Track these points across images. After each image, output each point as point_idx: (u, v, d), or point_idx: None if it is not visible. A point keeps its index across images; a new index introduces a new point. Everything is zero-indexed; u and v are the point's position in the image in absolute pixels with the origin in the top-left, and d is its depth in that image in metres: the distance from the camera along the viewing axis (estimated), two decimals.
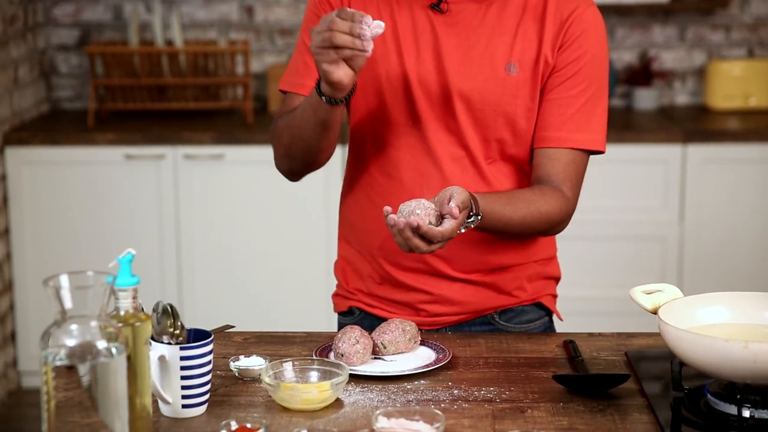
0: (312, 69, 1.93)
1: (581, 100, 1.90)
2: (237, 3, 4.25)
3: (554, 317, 2.08)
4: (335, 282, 2.10)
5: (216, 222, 3.82)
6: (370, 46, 1.71)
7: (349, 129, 2.01)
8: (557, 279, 2.07)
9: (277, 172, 2.03)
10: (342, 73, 1.74)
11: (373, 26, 1.71)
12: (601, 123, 1.94)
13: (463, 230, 1.78)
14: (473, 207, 1.78)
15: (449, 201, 1.71)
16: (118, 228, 3.81)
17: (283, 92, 1.99)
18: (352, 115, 1.98)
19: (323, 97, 1.80)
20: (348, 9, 1.72)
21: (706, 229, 3.78)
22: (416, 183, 1.92)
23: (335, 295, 2.10)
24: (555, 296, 2.07)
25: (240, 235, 3.82)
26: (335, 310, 2.10)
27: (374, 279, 2.00)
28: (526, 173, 1.97)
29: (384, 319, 1.93)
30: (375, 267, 2.00)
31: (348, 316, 2.06)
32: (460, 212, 1.70)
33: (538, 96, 1.91)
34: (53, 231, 3.82)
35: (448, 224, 1.70)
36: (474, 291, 1.97)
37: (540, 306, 2.04)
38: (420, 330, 1.88)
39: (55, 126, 3.99)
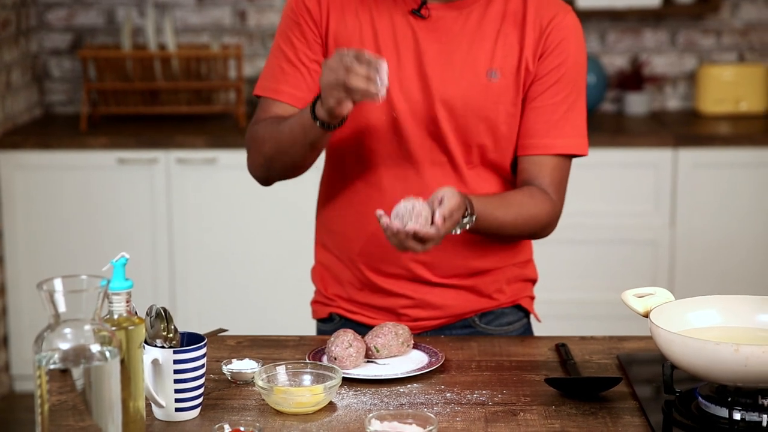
0: (288, 74, 1.94)
1: (564, 107, 1.93)
2: (230, 7, 4.26)
3: (532, 319, 2.10)
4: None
5: (209, 226, 3.82)
6: (383, 92, 1.72)
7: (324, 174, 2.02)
8: (534, 281, 2.09)
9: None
10: (346, 109, 1.76)
11: (384, 71, 1.72)
12: (582, 126, 1.97)
13: (459, 231, 1.79)
14: (468, 207, 1.79)
15: (440, 204, 1.72)
16: (111, 232, 3.81)
17: (258, 96, 1.99)
18: (328, 151, 1.99)
19: (317, 122, 1.81)
20: (366, 53, 1.72)
21: (697, 233, 3.79)
22: (396, 189, 1.93)
23: (314, 302, 2.09)
24: (533, 298, 2.09)
25: (233, 238, 3.83)
26: (314, 317, 2.10)
27: (354, 285, 2.01)
28: (506, 179, 1.99)
29: (365, 325, 1.94)
30: (355, 273, 2.00)
31: (328, 322, 2.05)
32: (444, 221, 1.72)
33: (520, 102, 1.93)
34: (46, 235, 3.82)
35: (439, 223, 1.71)
36: (455, 295, 1.99)
37: (519, 308, 2.06)
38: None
39: (48, 130, 3.99)
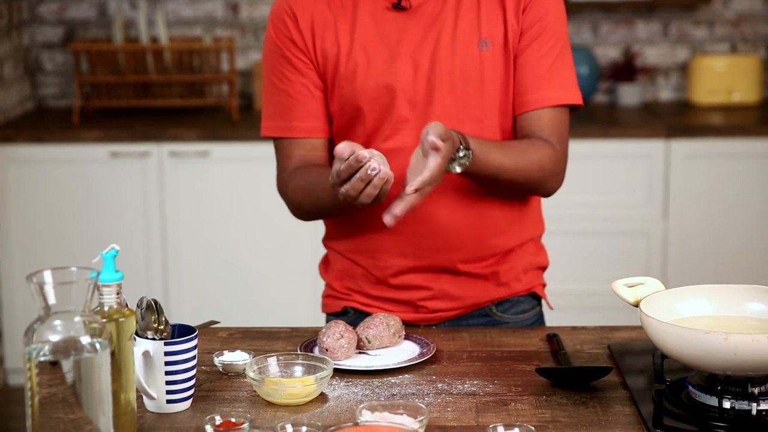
0: (293, 109, 1.95)
1: (551, 58, 1.94)
2: (222, 0, 4.25)
3: (544, 306, 2.11)
4: (321, 279, 2.10)
5: (201, 219, 3.82)
6: (385, 172, 1.70)
7: (331, 134, 2.01)
8: (545, 268, 2.09)
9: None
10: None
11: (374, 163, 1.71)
12: (572, 77, 1.98)
13: (457, 168, 1.78)
14: (461, 141, 1.78)
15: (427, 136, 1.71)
16: (104, 225, 3.81)
17: (268, 137, 1.99)
18: (334, 125, 1.98)
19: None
20: (351, 161, 1.70)
21: (689, 224, 3.80)
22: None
23: (326, 296, 2.08)
24: (544, 285, 2.09)
25: (226, 231, 3.83)
26: (326, 311, 2.08)
27: (369, 279, 2.00)
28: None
29: None
30: (370, 266, 1.99)
31: (342, 316, 2.03)
32: (443, 141, 1.70)
33: (513, 65, 1.94)
34: (39, 229, 3.81)
35: (433, 160, 1.70)
36: (474, 284, 1.99)
37: (533, 296, 2.07)
38: (417, 326, 1.89)
39: (41, 124, 3.98)
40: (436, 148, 1.70)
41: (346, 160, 1.71)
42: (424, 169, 1.71)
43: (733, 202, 3.80)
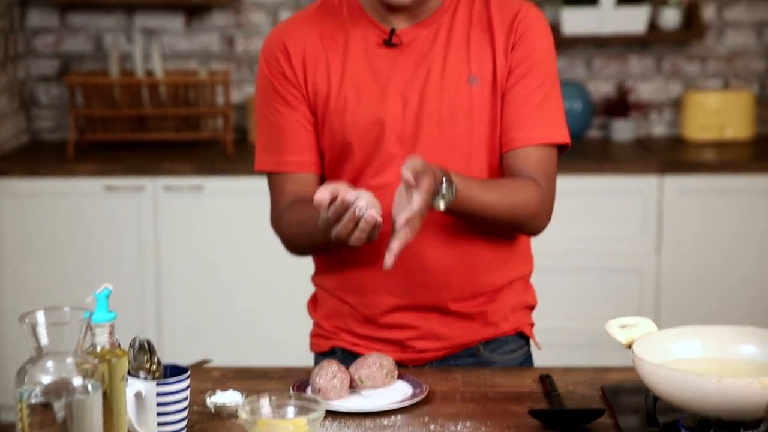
0: (286, 143, 1.96)
1: (539, 97, 1.94)
2: (218, 33, 4.27)
3: (531, 346, 2.10)
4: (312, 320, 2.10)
5: (196, 254, 3.81)
6: (371, 215, 1.70)
7: (323, 170, 2.01)
8: (533, 307, 2.09)
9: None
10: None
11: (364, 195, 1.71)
12: (560, 116, 1.97)
13: (442, 203, 1.77)
14: (444, 176, 1.77)
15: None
16: (97, 260, 3.80)
17: (262, 172, 2.00)
18: (326, 160, 1.99)
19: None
20: (338, 205, 1.70)
21: (683, 260, 3.80)
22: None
23: (314, 335, 2.08)
24: (532, 325, 2.09)
25: (220, 267, 3.82)
26: (314, 350, 2.08)
27: (357, 318, 2.00)
28: None
29: None
30: (358, 305, 1.99)
31: (330, 356, 2.03)
32: (419, 177, 1.69)
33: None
34: (33, 263, 3.81)
35: (417, 195, 1.70)
36: (461, 324, 1.98)
37: (521, 336, 2.06)
38: (405, 366, 1.89)
39: (35, 157, 3.99)
40: (411, 185, 1.69)
41: (329, 207, 1.71)
42: (407, 205, 1.70)
43: (726, 239, 3.81)
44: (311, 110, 1.96)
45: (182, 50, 4.27)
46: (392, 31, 1.94)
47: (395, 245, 1.71)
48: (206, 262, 3.82)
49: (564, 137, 1.97)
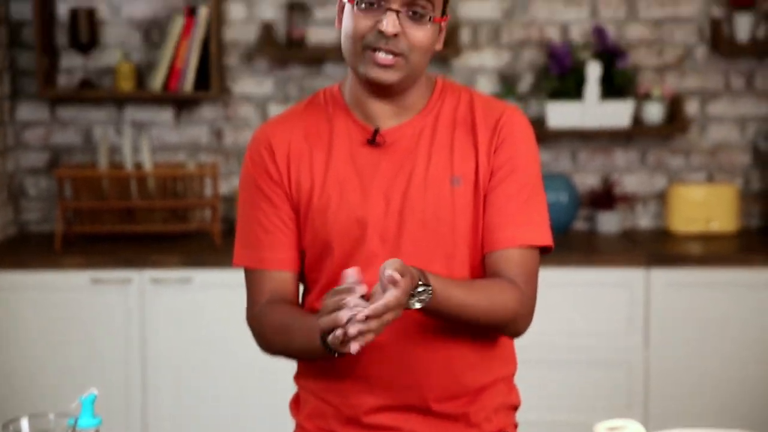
0: (265, 241, 1.97)
1: (522, 198, 1.95)
2: (207, 126, 4.31)
3: None
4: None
5: (183, 347, 3.80)
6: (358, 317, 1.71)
7: (303, 269, 2.02)
8: (517, 407, 2.08)
9: (245, 296, 2.05)
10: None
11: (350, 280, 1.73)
12: (543, 218, 1.98)
13: (417, 304, 1.77)
14: (421, 278, 1.78)
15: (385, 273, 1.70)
16: (84, 353, 3.78)
17: (239, 266, 2.02)
18: (306, 258, 2.00)
19: (330, 351, 1.79)
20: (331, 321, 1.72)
21: (671, 354, 3.80)
22: None
23: None
24: (516, 426, 2.08)
25: (207, 361, 3.80)
26: None
27: (339, 419, 1.99)
28: None
29: None
30: (341, 405, 1.98)
31: None
32: (402, 276, 1.70)
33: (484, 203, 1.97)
34: (18, 357, 3.78)
35: (391, 293, 1.69)
36: (444, 425, 1.97)
37: None
38: None
39: (22, 250, 3.99)
40: (394, 282, 1.69)
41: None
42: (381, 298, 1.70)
43: (714, 332, 3.81)
44: (294, 208, 1.98)
45: (171, 143, 4.30)
46: (376, 130, 1.96)
47: (359, 340, 1.70)
48: (193, 355, 3.80)
49: (546, 240, 1.97)
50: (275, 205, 1.98)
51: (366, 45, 1.90)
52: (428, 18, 1.90)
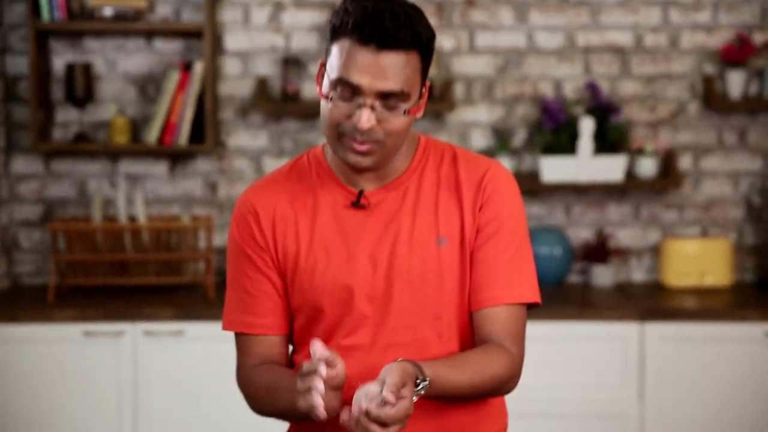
0: (251, 306, 1.98)
1: (507, 256, 1.95)
2: (201, 179, 4.31)
3: None
4: None
5: (176, 400, 3.77)
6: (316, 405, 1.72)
7: (292, 330, 2.03)
8: None
9: None
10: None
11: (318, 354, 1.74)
12: (530, 275, 1.98)
13: (414, 398, 1.76)
14: (418, 374, 1.78)
15: (383, 387, 1.70)
16: (76, 406, 3.75)
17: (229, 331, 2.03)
18: (296, 321, 2.00)
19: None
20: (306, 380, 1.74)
21: (666, 408, 3.78)
22: (362, 377, 1.90)
23: None
24: None
25: (200, 413, 3.78)
26: None
27: None
28: (468, 343, 1.99)
29: None
30: None
31: None
32: (396, 396, 1.69)
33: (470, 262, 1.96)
34: (10, 409, 3.75)
35: (392, 408, 1.68)
36: None
37: None
38: None
39: (15, 302, 3.97)
40: (390, 402, 1.68)
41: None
42: (388, 411, 1.68)
43: (708, 386, 3.80)
44: (280, 273, 1.98)
45: (165, 196, 4.30)
46: (360, 192, 1.96)
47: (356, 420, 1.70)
48: (186, 408, 3.78)
49: (533, 297, 1.97)
50: (261, 271, 1.99)
51: (342, 132, 1.89)
52: (403, 111, 1.88)
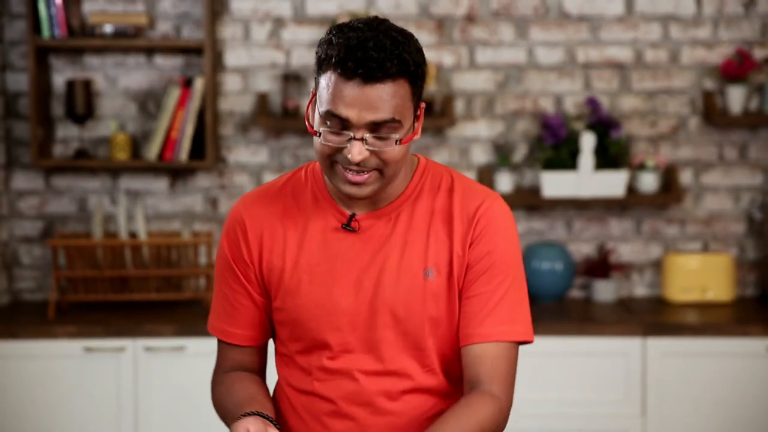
0: (231, 317, 2.00)
1: (500, 293, 1.91)
2: (201, 195, 4.31)
3: None
4: None
5: (176, 415, 3.76)
6: None
7: (275, 350, 2.04)
8: None
9: None
10: None
11: None
12: (523, 313, 1.94)
13: None
14: None
15: None
16: (76, 422, 3.74)
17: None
18: (280, 334, 2.01)
19: None
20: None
21: (668, 423, 3.77)
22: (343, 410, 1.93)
23: None
24: None
25: (200, 429, 3.76)
26: None
27: None
28: (452, 377, 1.98)
29: None
30: None
31: None
32: None
33: (458, 295, 1.93)
34: (11, 426, 3.74)
35: None
36: None
37: None
38: None
39: (15, 319, 3.96)
40: None
41: None
42: None
43: (710, 401, 3.78)
44: (264, 288, 1.99)
45: (166, 211, 4.30)
46: (352, 216, 1.94)
47: None
48: (187, 423, 3.76)
49: (524, 335, 1.93)
50: (242, 285, 1.99)
51: (335, 161, 1.86)
52: (395, 141, 1.84)
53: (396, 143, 1.84)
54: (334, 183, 1.89)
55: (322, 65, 1.84)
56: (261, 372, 2.07)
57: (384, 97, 1.80)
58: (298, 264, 1.94)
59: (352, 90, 1.80)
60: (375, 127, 1.82)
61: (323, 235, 1.94)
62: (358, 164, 1.83)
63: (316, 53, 1.87)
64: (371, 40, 1.80)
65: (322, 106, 1.84)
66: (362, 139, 1.82)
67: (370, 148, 1.83)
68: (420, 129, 1.91)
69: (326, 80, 1.83)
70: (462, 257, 1.92)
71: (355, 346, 1.92)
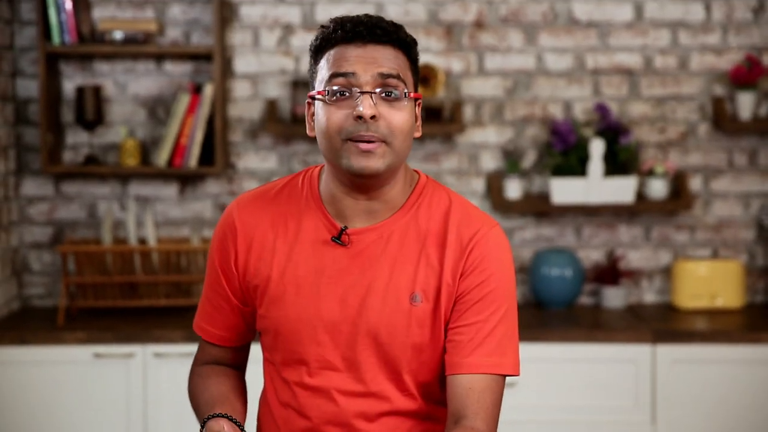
0: (212, 317, 2.03)
1: (492, 324, 1.88)
2: (211, 201, 4.32)
3: None
4: None
5: (185, 422, 3.76)
6: None
7: (263, 355, 2.04)
8: None
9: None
10: None
11: None
12: (512, 346, 1.91)
13: None
14: None
15: None
16: (86, 429, 3.74)
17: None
18: (263, 341, 2.00)
19: None
20: None
21: (678, 430, 3.76)
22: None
23: None
24: None
25: None
26: None
27: None
28: (436, 402, 1.96)
29: None
30: None
31: None
32: None
33: (443, 324, 1.90)
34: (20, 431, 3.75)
35: None
36: None
37: None
38: None
39: (25, 325, 3.97)
40: None
41: None
42: None
43: (720, 408, 3.77)
44: (247, 294, 1.98)
45: (175, 218, 4.31)
46: (343, 229, 1.92)
47: None
48: (195, 430, 3.76)
49: (511, 369, 1.90)
50: (224, 289, 2.00)
51: (346, 136, 1.85)
52: (403, 95, 1.86)
53: (405, 96, 1.86)
54: (345, 164, 1.87)
55: (320, 49, 1.89)
56: (240, 367, 2.11)
57: (386, 56, 1.86)
58: (285, 274, 1.92)
59: (353, 51, 1.86)
60: (381, 83, 1.85)
61: (313, 247, 1.92)
62: (368, 126, 1.83)
63: (310, 48, 1.91)
64: (366, 18, 1.88)
65: (325, 76, 1.87)
66: (370, 94, 1.84)
67: (379, 110, 1.84)
68: (420, 125, 1.94)
69: (326, 58, 1.88)
70: (451, 286, 1.89)
71: (335, 364, 1.91)
